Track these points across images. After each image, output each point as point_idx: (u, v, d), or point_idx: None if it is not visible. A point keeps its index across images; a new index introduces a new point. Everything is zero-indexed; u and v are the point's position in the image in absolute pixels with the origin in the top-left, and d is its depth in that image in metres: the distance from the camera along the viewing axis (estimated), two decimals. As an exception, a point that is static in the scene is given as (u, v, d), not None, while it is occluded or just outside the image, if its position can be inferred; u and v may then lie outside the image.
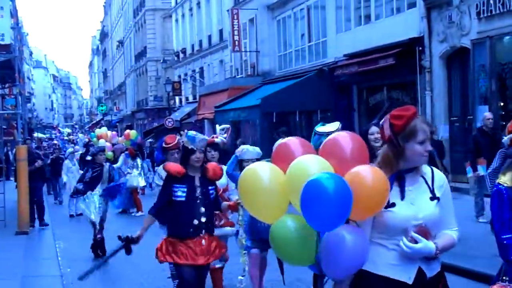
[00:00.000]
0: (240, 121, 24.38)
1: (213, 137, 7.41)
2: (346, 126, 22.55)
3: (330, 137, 3.63)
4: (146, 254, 9.47)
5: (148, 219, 5.98)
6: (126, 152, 17.68)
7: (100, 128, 27.39)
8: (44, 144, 44.50)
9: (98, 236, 10.68)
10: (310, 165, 3.33)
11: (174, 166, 5.66)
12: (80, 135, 50.72)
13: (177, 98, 41.87)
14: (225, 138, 7.53)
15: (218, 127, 7.77)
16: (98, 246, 10.71)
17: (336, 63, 20.64)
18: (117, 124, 62.46)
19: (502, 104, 14.35)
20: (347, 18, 20.98)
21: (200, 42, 36.71)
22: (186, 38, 39.95)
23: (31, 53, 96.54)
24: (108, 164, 11.02)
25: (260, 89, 25.18)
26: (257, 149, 7.06)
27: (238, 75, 30.01)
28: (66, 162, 17.46)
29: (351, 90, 20.88)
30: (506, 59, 14.18)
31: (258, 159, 6.87)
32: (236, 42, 27.68)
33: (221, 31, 32.65)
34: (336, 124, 5.95)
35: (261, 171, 3.54)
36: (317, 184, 3.10)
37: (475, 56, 14.80)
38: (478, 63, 14.75)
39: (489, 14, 14.04)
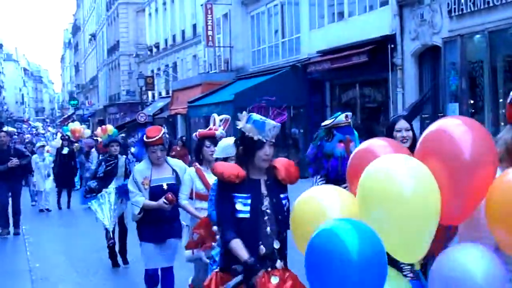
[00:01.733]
0: (213, 117, 24.35)
1: (211, 129, 6.43)
2: (319, 122, 22.55)
3: (434, 125, 2.57)
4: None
5: (239, 243, 3.73)
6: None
7: (72, 122, 27.12)
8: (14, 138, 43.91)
9: (111, 241, 9.15)
10: (395, 173, 2.35)
11: (230, 168, 3.88)
12: (51, 129, 50.22)
13: (150, 93, 41.62)
14: (224, 130, 6.54)
15: (217, 117, 6.71)
16: (114, 253, 9.26)
17: (309, 60, 20.70)
18: (89, 118, 61.89)
19: (472, 102, 14.53)
20: (320, 14, 21.05)
21: (174, 36, 36.53)
22: (160, 33, 39.72)
23: (1, 46, 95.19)
24: (124, 157, 9.54)
25: (233, 84, 25.15)
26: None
27: (211, 71, 29.93)
28: (34, 157, 16.19)
29: (324, 86, 20.97)
30: (477, 57, 14.35)
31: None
32: (210, 37, 27.59)
33: (194, 26, 32.52)
34: (342, 117, 5.19)
35: (327, 202, 2.85)
36: (329, 242, 2.32)
37: (446, 54, 14.95)
38: (449, 61, 14.90)
39: (460, 12, 14.19)
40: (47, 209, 15.92)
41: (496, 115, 13.45)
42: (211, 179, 5.58)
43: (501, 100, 13.43)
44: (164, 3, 38.31)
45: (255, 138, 3.80)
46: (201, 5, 28.93)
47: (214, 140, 6.03)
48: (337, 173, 4.91)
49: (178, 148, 20.62)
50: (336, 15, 20.25)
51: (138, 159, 7.71)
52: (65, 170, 16.51)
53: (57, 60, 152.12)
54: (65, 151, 16.98)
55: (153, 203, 5.99)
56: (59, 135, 21.05)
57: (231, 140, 5.34)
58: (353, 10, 19.33)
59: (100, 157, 16.60)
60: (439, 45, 15.14)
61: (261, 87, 21.17)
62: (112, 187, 8.75)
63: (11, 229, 12.35)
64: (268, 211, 3.82)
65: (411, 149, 4.66)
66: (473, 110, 14.37)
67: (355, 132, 5.27)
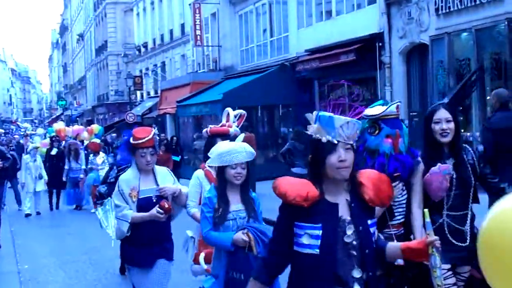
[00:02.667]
0: (202, 116, 24.28)
1: (224, 125, 5.62)
2: (307, 121, 22.58)
3: None
4: None
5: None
6: (83, 148, 17.58)
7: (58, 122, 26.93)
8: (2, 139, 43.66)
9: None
10: None
11: (298, 186, 2.89)
12: (40, 129, 49.97)
13: (138, 92, 41.51)
14: (238, 127, 5.75)
15: (231, 112, 5.86)
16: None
17: (298, 58, 20.71)
18: (78, 118, 61.62)
19: (459, 99, 14.59)
20: (308, 13, 21.07)
21: (162, 36, 36.44)
22: (148, 32, 39.61)
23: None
24: None
25: (222, 84, 25.12)
26: (245, 146, 4.56)
27: (200, 70, 29.88)
28: (26, 157, 16.18)
29: (313, 85, 20.98)
30: (464, 55, 14.41)
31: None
32: (198, 37, 27.55)
33: (183, 26, 32.46)
34: (393, 107, 4.27)
35: None
36: None
37: (433, 52, 15.00)
38: (437, 59, 14.96)
39: (447, 10, 14.24)
40: (37, 212, 15.67)
41: (483, 113, 13.52)
42: None
43: (488, 98, 13.50)
44: (152, 3, 38.21)
45: (324, 139, 2.93)
46: (189, 4, 28.88)
47: (227, 138, 5.25)
48: (383, 173, 3.97)
49: (161, 152, 20.02)
50: (324, 14, 20.27)
51: (122, 164, 7.53)
52: (54, 171, 16.29)
53: (45, 61, 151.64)
54: (54, 152, 16.84)
55: (144, 214, 5.07)
56: (37, 138, 20.58)
57: (232, 143, 4.57)
58: (341, 9, 19.36)
59: (108, 159, 16.50)
60: (427, 43, 15.19)
61: (250, 86, 21.20)
62: None
63: None
64: (354, 243, 2.87)
65: (453, 144, 4.25)
66: (460, 108, 14.43)
67: (405, 127, 4.45)
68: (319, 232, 2.84)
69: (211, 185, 4.80)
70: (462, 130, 14.19)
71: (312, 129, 3.05)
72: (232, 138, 5.26)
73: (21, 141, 31.09)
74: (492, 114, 8.26)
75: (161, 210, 5.02)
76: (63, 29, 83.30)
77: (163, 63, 36.51)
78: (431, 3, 14.75)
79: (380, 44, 16.85)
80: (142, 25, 41.04)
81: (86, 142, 19.48)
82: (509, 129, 7.28)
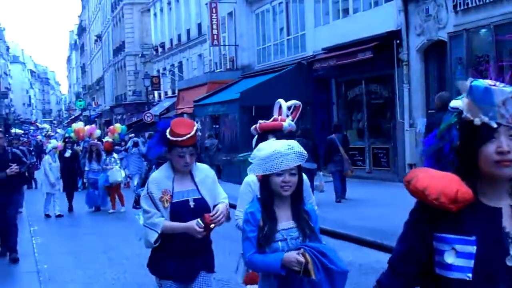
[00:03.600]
0: (219, 115, 24.33)
1: (276, 120, 4.75)
2: (325, 120, 22.60)
3: None
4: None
5: None
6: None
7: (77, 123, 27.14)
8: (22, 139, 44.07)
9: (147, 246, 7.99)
10: None
11: (444, 182, 2.05)
12: (59, 130, 50.38)
13: (156, 92, 41.67)
14: (293, 121, 4.85)
15: (283, 104, 4.98)
16: None
17: (315, 57, 20.66)
18: (96, 119, 62.02)
19: (478, 96, 14.46)
20: (325, 11, 21.00)
21: (179, 36, 36.53)
22: (165, 32, 39.73)
23: (7, 48, 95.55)
24: None
25: (239, 83, 25.13)
26: (292, 145, 3.49)
27: (217, 69, 29.92)
28: (47, 158, 15.75)
29: (330, 83, 20.92)
30: (483, 51, 14.27)
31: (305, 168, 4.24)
32: (215, 36, 27.58)
33: (199, 25, 32.52)
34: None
35: None
36: None
37: (452, 49, 14.88)
38: (455, 56, 14.84)
39: (465, 7, 14.12)
40: (59, 215, 15.09)
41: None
42: None
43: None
44: (169, 3, 38.32)
45: (477, 121, 2.05)
46: (206, 4, 28.93)
47: (281, 135, 4.43)
48: None
49: None
50: (341, 12, 20.20)
51: (154, 162, 7.07)
52: (68, 173, 15.95)
53: (63, 62, 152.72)
54: (68, 154, 16.55)
55: (178, 226, 4.20)
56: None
57: (276, 143, 3.53)
58: (358, 7, 19.28)
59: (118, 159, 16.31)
60: (445, 40, 15.07)
61: (267, 85, 21.17)
62: None
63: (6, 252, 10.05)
64: None
65: None
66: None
67: None
68: (473, 249, 2.00)
69: (253, 197, 3.86)
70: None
71: (462, 105, 2.10)
72: (287, 135, 4.40)
73: (40, 141, 31.38)
74: (434, 113, 9.92)
75: (201, 224, 4.07)
76: (81, 30, 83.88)
77: (180, 63, 36.60)
78: (449, 0, 14.64)
79: (398, 41, 16.75)
80: (159, 25, 41.18)
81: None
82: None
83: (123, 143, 23.25)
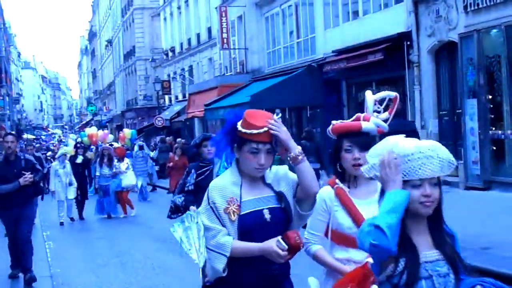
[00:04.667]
0: (230, 119, 24.35)
1: (358, 118, 3.70)
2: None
3: None
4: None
5: None
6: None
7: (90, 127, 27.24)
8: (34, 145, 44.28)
9: (206, 280, 6.77)
10: None
11: None
12: (71, 135, 50.62)
13: (166, 97, 41.78)
14: (387, 119, 3.80)
15: (369, 96, 3.87)
16: None
17: (325, 59, 20.63)
18: (107, 124, 62.28)
19: (490, 97, 14.37)
20: (335, 14, 20.98)
21: (189, 40, 36.63)
22: (175, 37, 39.85)
23: (19, 54, 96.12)
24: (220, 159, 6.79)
25: (249, 86, 25.15)
26: (435, 147, 2.47)
27: (227, 73, 29.96)
28: (54, 164, 15.63)
29: (340, 86, 20.89)
30: (494, 52, 14.19)
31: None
32: (225, 40, 27.63)
33: (209, 29, 32.59)
34: None
35: None
36: None
37: (462, 50, 14.81)
38: (466, 57, 14.76)
39: (476, 7, 14.05)
40: (71, 218, 15.33)
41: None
42: (366, 210, 3.35)
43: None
44: (179, 7, 38.44)
45: None
46: (216, 8, 28.98)
47: (360, 140, 3.50)
48: None
49: (176, 158, 17.56)
50: (351, 14, 20.17)
51: (190, 167, 6.51)
52: (77, 180, 15.21)
53: (74, 67, 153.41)
54: (79, 160, 15.86)
55: (253, 247, 3.14)
56: (71, 142, 20.22)
57: (412, 142, 2.51)
58: (368, 8, 19.25)
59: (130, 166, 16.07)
60: (456, 41, 15.01)
61: (277, 88, 21.18)
62: None
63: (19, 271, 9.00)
64: None
65: None
66: (491, 106, 14.23)
67: None
68: None
69: (329, 216, 3.30)
70: (494, 128, 14.01)
71: None
72: (371, 137, 3.52)
73: (51, 147, 31.49)
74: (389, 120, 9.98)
75: (284, 246, 3.03)
76: (92, 35, 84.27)
77: (191, 67, 36.68)
78: (460, 0, 14.57)
79: (408, 43, 16.70)
80: (169, 29, 41.30)
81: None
82: (401, 131, 8.30)
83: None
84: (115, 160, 15.92)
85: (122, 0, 53.36)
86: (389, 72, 17.85)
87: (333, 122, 3.70)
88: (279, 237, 3.06)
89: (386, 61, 17.06)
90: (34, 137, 69.80)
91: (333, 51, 20.17)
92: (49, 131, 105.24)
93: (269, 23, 26.11)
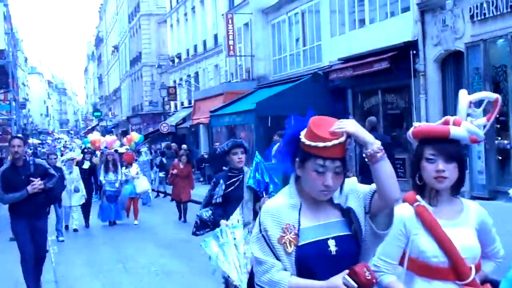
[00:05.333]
0: (235, 126, 24.37)
1: (446, 122, 3.13)
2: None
3: None
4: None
5: None
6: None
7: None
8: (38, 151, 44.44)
9: None
10: None
11: None
12: (77, 140, 50.75)
13: (172, 103, 41.85)
14: (485, 126, 3.27)
15: (463, 98, 3.37)
16: None
17: (331, 67, 20.65)
18: (113, 129, 62.40)
19: (496, 107, 14.37)
20: (341, 22, 21.01)
21: (195, 47, 36.71)
22: (181, 43, 39.95)
23: (26, 59, 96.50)
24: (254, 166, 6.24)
25: (255, 93, 25.18)
26: None
27: (233, 80, 30.01)
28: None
29: (346, 94, 20.89)
30: (500, 62, 14.18)
31: None
32: (231, 47, 27.67)
33: (216, 36, 32.66)
34: None
35: None
36: None
37: (469, 60, 14.81)
38: (472, 66, 14.76)
39: (482, 17, 14.06)
40: (75, 230, 14.58)
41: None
42: (452, 234, 2.85)
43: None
44: (186, 14, 38.55)
45: None
46: (222, 15, 29.06)
47: (446, 148, 2.91)
48: None
49: (181, 165, 16.05)
50: (357, 22, 20.19)
51: (216, 176, 6.17)
52: (86, 186, 14.68)
53: (80, 72, 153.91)
54: (86, 165, 15.33)
55: (314, 285, 2.56)
56: (76, 146, 20.03)
57: None
58: (374, 17, 19.27)
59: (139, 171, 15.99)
60: (462, 50, 15.01)
61: (283, 96, 21.19)
62: (237, 217, 6.00)
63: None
64: None
65: None
66: (497, 116, 14.19)
67: None
68: None
69: (406, 241, 2.84)
70: (499, 138, 13.99)
71: None
72: (460, 146, 3.00)
73: (58, 152, 31.50)
74: None
75: (353, 284, 2.46)
76: (99, 41, 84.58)
77: (197, 74, 36.76)
78: (466, 10, 14.58)
79: (414, 52, 16.70)
80: (175, 36, 41.41)
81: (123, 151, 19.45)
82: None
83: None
84: (123, 167, 15.74)
85: (129, 6, 53.56)
86: (395, 80, 17.85)
87: (415, 124, 3.09)
88: (346, 274, 2.47)
89: (392, 69, 17.06)
90: (39, 141, 70.00)
91: (339, 59, 20.19)
92: (54, 135, 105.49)
93: (275, 31, 26.16)
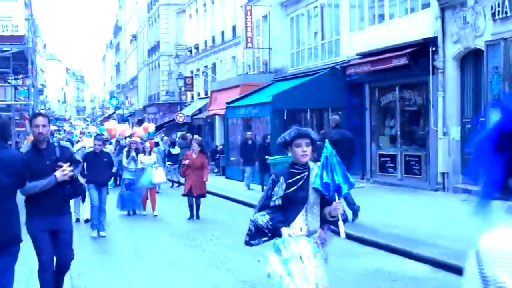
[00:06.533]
0: (251, 118, 24.37)
1: None
2: (358, 125, 22.47)
3: None
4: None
5: None
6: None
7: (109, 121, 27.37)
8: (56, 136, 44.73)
9: None
10: None
11: None
12: (92, 127, 51.01)
13: (188, 93, 41.92)
14: None
15: None
16: None
17: (349, 62, 20.57)
18: (129, 118, 62.63)
19: (515, 106, 14.25)
20: (360, 16, 20.90)
21: (213, 38, 36.71)
22: (199, 34, 39.97)
23: (44, 45, 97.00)
24: (317, 165, 5.05)
25: (272, 86, 25.15)
26: None
27: (250, 72, 29.98)
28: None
29: (363, 89, 20.80)
30: (520, 61, 14.06)
31: None
32: (249, 39, 27.64)
33: (234, 27, 32.64)
34: None
35: None
36: None
37: (488, 58, 14.68)
38: (492, 65, 14.63)
39: (504, 15, 13.92)
40: (86, 220, 13.83)
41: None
42: None
43: None
44: (204, 5, 38.54)
45: None
46: (241, 6, 29.02)
47: None
48: None
49: (194, 155, 14.41)
50: (377, 17, 20.08)
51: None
52: None
53: (98, 60, 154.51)
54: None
55: None
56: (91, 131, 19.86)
57: None
58: (394, 12, 19.15)
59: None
60: (482, 49, 14.88)
61: (300, 89, 21.16)
62: (300, 224, 4.85)
63: None
64: None
65: None
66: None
67: None
68: None
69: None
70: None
71: None
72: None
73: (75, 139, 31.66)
74: (330, 130, 14.16)
75: None
76: (117, 29, 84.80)
77: (214, 65, 36.77)
78: (487, 7, 14.44)
79: (434, 48, 16.59)
80: (194, 26, 41.44)
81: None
82: (341, 139, 11.89)
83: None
84: (140, 154, 15.24)
85: (148, -5, 53.67)
86: (413, 77, 17.75)
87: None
88: None
89: (410, 66, 16.96)
90: (56, 128, 70.44)
91: (357, 54, 20.10)
92: (71, 123, 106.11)
93: (293, 23, 26.08)
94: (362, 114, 20.70)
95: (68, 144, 7.03)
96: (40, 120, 6.18)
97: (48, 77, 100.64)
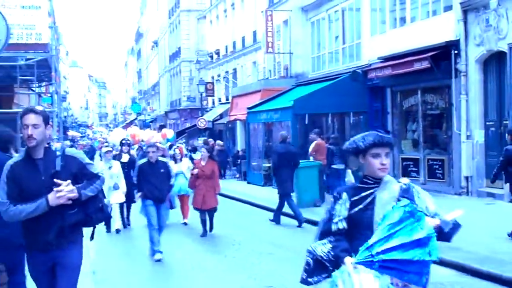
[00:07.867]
0: (272, 123, 24.36)
1: None
2: (380, 129, 22.37)
3: None
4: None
5: None
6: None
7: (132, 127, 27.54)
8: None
9: None
10: None
11: None
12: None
13: (210, 98, 42.07)
14: None
15: None
16: None
17: (370, 66, 20.47)
18: (151, 124, 63.02)
19: (539, 109, 14.08)
20: (382, 20, 20.81)
21: (234, 43, 36.80)
22: (220, 39, 40.10)
23: (67, 53, 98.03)
24: (399, 183, 3.90)
25: (293, 90, 25.13)
26: None
27: (271, 77, 29.98)
28: (101, 164, 13.58)
29: (385, 93, 20.70)
30: (545, 63, 13.90)
31: None
32: (270, 44, 27.65)
33: (254, 33, 32.68)
34: None
35: None
36: None
37: (512, 60, 14.54)
38: (515, 68, 14.48)
39: (527, 17, 13.78)
40: (117, 230, 13.38)
41: None
42: None
43: None
44: (225, 10, 38.67)
45: None
46: (262, 12, 29.05)
47: None
48: None
49: (203, 163, 12.81)
50: (398, 21, 19.98)
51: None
52: (126, 181, 13.28)
53: (120, 67, 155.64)
54: (125, 158, 14.13)
55: None
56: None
57: None
58: (416, 15, 19.04)
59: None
60: (505, 51, 14.74)
61: (321, 93, 21.12)
62: (378, 253, 3.56)
63: None
64: None
65: None
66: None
67: None
68: None
69: None
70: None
71: None
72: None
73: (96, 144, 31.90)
74: (277, 144, 15.56)
75: None
76: (139, 36, 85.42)
77: (235, 70, 36.85)
78: (510, 10, 14.31)
79: (456, 51, 16.46)
80: (214, 32, 41.58)
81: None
82: (284, 153, 13.88)
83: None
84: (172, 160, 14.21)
85: (169, 2, 53.96)
86: (435, 80, 17.62)
87: None
88: None
89: (432, 69, 16.84)
90: (79, 134, 71.08)
91: (378, 58, 20.01)
92: (93, 128, 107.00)
93: (314, 28, 26.05)
94: (384, 117, 20.58)
95: (78, 153, 4.87)
96: (30, 119, 4.41)
97: (70, 84, 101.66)
